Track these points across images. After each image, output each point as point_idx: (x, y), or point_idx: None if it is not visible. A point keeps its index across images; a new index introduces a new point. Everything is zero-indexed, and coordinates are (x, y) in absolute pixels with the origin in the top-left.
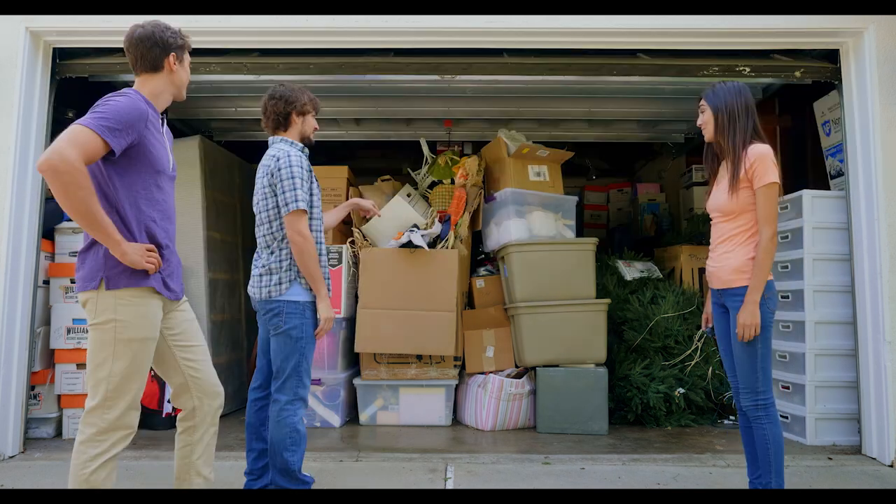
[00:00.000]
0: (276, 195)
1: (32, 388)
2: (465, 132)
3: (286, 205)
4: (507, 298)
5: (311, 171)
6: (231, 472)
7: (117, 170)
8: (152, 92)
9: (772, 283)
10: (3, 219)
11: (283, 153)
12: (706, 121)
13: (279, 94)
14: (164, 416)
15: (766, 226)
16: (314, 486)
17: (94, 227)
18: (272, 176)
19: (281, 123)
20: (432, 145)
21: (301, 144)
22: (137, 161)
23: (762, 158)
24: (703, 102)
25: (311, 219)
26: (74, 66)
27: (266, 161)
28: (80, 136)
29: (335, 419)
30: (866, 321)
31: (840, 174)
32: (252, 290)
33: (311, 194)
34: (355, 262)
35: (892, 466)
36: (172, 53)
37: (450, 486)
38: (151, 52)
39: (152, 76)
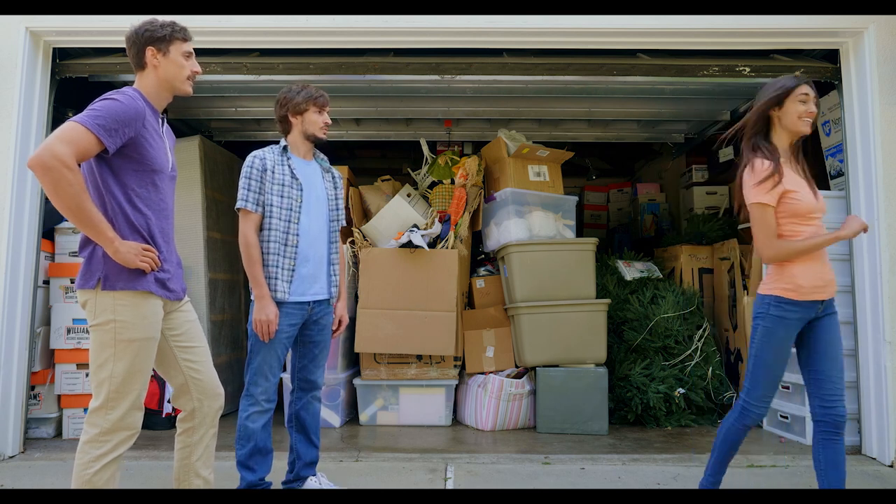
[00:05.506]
0: None
1: (32, 388)
2: (465, 132)
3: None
4: (507, 298)
5: (291, 173)
6: (231, 472)
7: (112, 168)
8: (146, 90)
9: None
10: (3, 219)
11: (251, 155)
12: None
13: (277, 98)
14: (163, 416)
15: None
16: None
17: (85, 225)
18: None
19: (283, 127)
20: (432, 145)
21: (281, 146)
22: (133, 160)
23: None
24: (813, 94)
25: (275, 219)
26: (74, 66)
27: None
28: (72, 132)
29: (335, 419)
30: (866, 321)
31: (840, 174)
32: None
33: (282, 196)
34: (355, 262)
35: (892, 466)
36: (150, 48)
37: (450, 486)
38: (132, 50)
39: (142, 74)
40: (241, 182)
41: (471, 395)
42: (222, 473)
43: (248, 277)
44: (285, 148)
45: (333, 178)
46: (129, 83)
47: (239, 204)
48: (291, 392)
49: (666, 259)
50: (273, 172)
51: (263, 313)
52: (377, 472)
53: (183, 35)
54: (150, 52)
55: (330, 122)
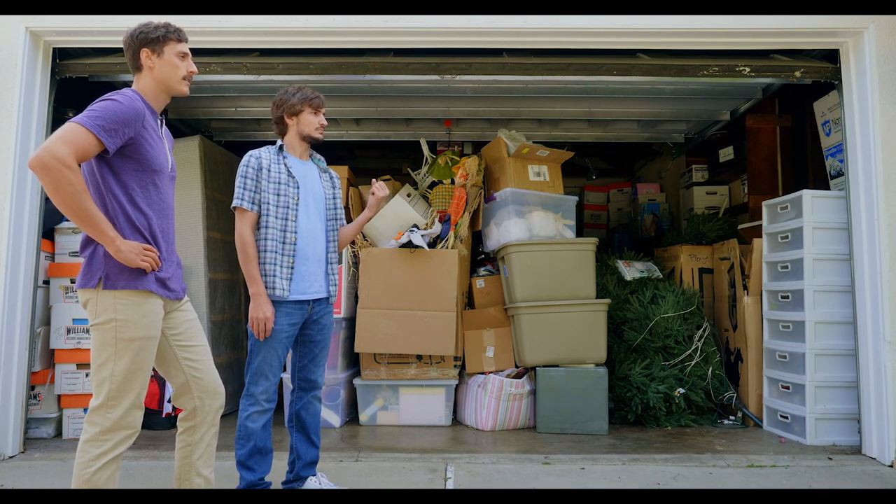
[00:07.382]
0: None
1: (32, 388)
2: (465, 132)
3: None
4: (507, 298)
5: (287, 171)
6: (231, 472)
7: (113, 168)
8: (144, 91)
9: None
10: (3, 219)
11: (247, 154)
12: None
13: (273, 100)
14: (163, 416)
15: None
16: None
17: (86, 224)
18: None
19: (279, 129)
20: (432, 145)
21: (278, 146)
22: (133, 160)
23: None
24: None
25: (272, 217)
26: (74, 66)
27: None
28: (72, 133)
29: (335, 419)
30: (866, 321)
31: (840, 174)
32: None
33: (278, 194)
34: (355, 262)
35: (892, 466)
36: (144, 49)
37: (450, 486)
38: (128, 53)
39: (139, 76)
40: (237, 181)
41: (471, 395)
42: (222, 473)
43: (245, 275)
44: (281, 147)
45: (331, 177)
46: (129, 83)
47: (235, 202)
48: (292, 392)
49: (666, 259)
50: (269, 171)
51: (260, 311)
52: (377, 472)
53: (177, 36)
54: (144, 53)
55: (325, 122)
